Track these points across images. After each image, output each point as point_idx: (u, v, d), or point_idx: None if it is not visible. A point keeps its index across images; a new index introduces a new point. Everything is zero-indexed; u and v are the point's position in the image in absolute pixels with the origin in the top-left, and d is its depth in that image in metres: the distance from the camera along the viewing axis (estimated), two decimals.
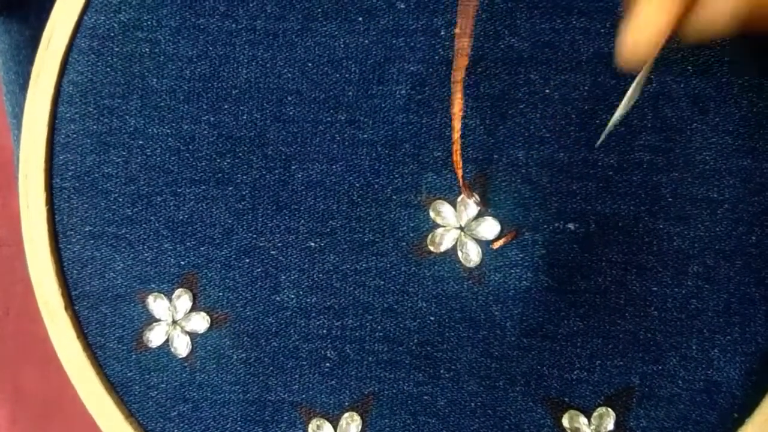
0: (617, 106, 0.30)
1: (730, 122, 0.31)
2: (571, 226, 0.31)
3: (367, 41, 0.32)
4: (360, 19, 0.32)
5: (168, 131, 0.33)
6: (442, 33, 0.32)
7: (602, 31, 0.31)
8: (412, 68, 0.32)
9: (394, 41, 0.32)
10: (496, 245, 0.31)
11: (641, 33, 0.25)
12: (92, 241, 0.33)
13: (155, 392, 0.33)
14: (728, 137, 0.31)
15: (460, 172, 0.30)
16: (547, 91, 0.31)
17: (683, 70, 0.31)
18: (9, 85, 0.39)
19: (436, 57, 0.32)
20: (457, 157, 0.30)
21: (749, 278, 0.30)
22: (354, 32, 0.32)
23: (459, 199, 0.31)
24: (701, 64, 0.31)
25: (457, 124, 0.30)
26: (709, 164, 0.31)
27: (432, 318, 0.32)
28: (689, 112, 0.31)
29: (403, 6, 0.32)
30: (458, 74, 0.29)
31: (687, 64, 0.31)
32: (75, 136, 0.33)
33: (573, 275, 0.31)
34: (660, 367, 0.31)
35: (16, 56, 0.38)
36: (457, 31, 0.29)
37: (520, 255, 0.31)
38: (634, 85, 0.27)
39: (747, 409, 0.31)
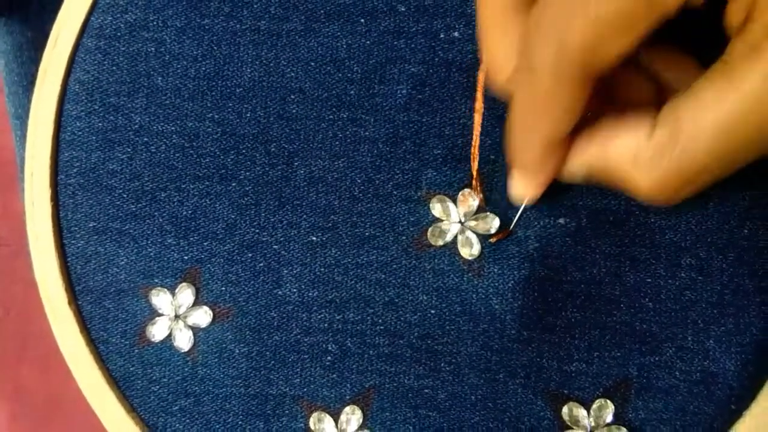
0: None
1: None
2: (561, 220, 0.32)
3: (368, 42, 0.33)
4: (362, 20, 0.33)
5: (173, 128, 0.33)
6: (442, 36, 0.33)
7: None
8: (412, 69, 0.33)
9: (395, 43, 0.33)
10: (493, 240, 0.32)
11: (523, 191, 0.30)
12: (96, 237, 0.34)
13: (157, 387, 0.33)
14: None
15: (475, 164, 0.31)
16: None
17: None
18: (12, 86, 0.40)
19: (436, 59, 0.33)
20: (474, 151, 0.31)
21: (742, 270, 0.31)
22: (356, 33, 0.33)
23: (459, 194, 0.32)
24: None
25: (478, 118, 0.31)
26: None
27: (433, 311, 0.32)
28: None
29: (403, 9, 0.33)
30: (481, 74, 0.30)
31: None
32: (80, 133, 0.34)
33: (567, 266, 0.32)
34: (657, 358, 0.32)
35: (19, 57, 0.39)
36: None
37: (516, 248, 0.32)
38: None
39: (744, 401, 0.31)
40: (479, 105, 0.31)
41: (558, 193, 0.32)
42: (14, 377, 0.62)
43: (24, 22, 0.38)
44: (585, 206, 0.32)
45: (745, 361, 0.31)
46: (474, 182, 0.31)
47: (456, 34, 0.33)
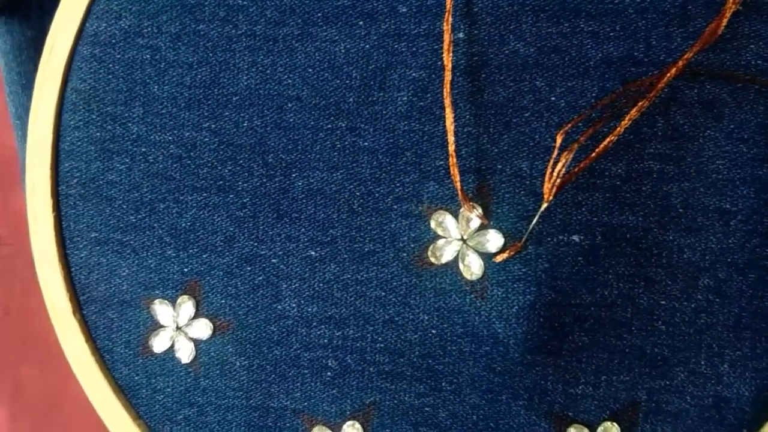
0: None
1: (745, 129, 0.29)
2: (575, 238, 0.30)
3: (368, 46, 0.31)
4: (361, 23, 0.31)
5: (170, 138, 0.33)
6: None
7: (611, 34, 0.30)
8: (413, 74, 0.31)
9: (395, 46, 0.31)
10: (499, 259, 0.30)
11: None
12: (98, 248, 0.34)
13: (162, 396, 0.34)
14: (743, 145, 0.29)
15: (458, 185, 0.30)
16: (553, 98, 0.30)
17: (696, 75, 0.29)
18: (12, 85, 0.39)
19: (439, 62, 0.31)
20: (454, 170, 0.29)
21: (762, 292, 0.29)
22: (355, 37, 0.31)
23: (461, 210, 0.31)
24: (716, 68, 0.29)
25: (451, 138, 0.29)
26: (723, 173, 0.29)
27: (434, 331, 0.31)
28: (702, 119, 0.29)
29: (404, 10, 0.31)
30: (446, 89, 0.29)
31: (700, 68, 0.29)
32: (79, 143, 0.33)
33: (578, 289, 0.30)
34: (667, 383, 0.30)
35: (18, 57, 0.38)
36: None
37: (523, 269, 0.30)
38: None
39: (756, 426, 0.30)
40: (450, 120, 0.29)
41: (573, 207, 0.30)
42: (14, 377, 0.63)
43: (24, 21, 0.38)
44: (601, 222, 0.30)
45: (760, 386, 0.29)
46: (463, 202, 0.30)
47: (461, 35, 0.31)
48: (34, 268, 0.35)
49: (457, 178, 0.29)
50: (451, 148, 0.29)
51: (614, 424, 0.30)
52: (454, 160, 0.29)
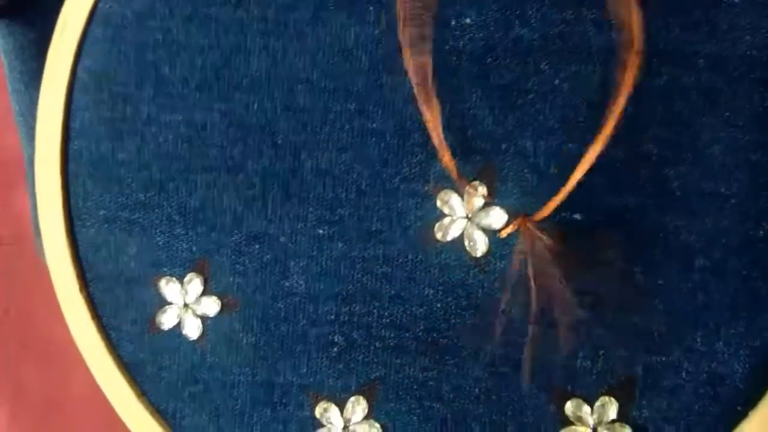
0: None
1: (741, 117, 0.30)
2: (577, 216, 0.31)
3: (377, 31, 0.32)
4: (371, 8, 0.32)
5: (180, 119, 0.33)
6: (452, 23, 0.32)
7: (613, 22, 0.31)
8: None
9: None
10: (504, 233, 0.31)
11: None
12: (106, 226, 0.34)
13: (167, 373, 0.34)
14: (738, 132, 0.30)
15: (454, 171, 0.31)
16: (557, 81, 0.31)
17: (695, 63, 0.31)
18: (15, 84, 0.39)
19: (446, 47, 0.32)
20: (446, 156, 0.30)
21: (756, 273, 0.30)
22: (364, 22, 0.32)
23: (466, 188, 0.32)
24: (714, 57, 0.30)
25: (437, 130, 0.30)
26: (718, 159, 0.31)
27: (438, 305, 0.32)
28: (700, 106, 0.31)
29: None
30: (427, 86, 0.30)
31: (699, 57, 0.31)
32: (90, 123, 0.34)
33: (578, 265, 0.31)
34: (664, 359, 0.31)
35: (21, 55, 0.39)
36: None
37: (526, 242, 0.31)
38: None
39: (751, 403, 0.31)
40: (436, 114, 0.30)
41: (576, 187, 0.31)
42: (14, 377, 0.63)
43: (29, 24, 0.38)
44: (603, 203, 0.31)
45: (755, 364, 0.31)
46: (459, 182, 0.31)
47: (467, 20, 0.32)
48: (35, 268, 0.35)
49: (452, 164, 0.30)
50: (437, 140, 0.30)
51: (612, 398, 0.31)
52: (445, 146, 0.30)
